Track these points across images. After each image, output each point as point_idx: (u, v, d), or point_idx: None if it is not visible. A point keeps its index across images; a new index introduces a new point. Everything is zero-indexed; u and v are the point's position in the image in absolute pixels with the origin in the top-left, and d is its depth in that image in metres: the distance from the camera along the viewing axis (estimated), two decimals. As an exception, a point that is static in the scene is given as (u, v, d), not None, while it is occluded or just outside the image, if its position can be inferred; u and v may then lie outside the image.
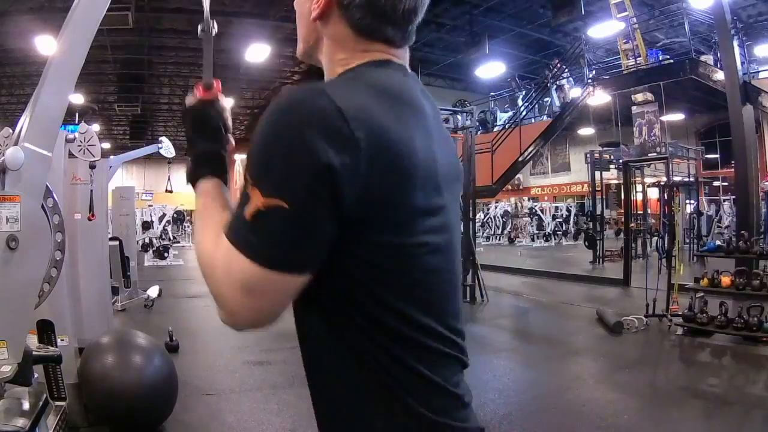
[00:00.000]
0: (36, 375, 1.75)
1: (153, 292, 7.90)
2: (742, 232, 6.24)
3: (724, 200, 13.72)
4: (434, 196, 0.75)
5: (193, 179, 0.89)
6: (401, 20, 0.79)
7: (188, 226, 22.21)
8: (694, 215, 12.20)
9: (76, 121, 5.18)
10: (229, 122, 0.97)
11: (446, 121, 9.45)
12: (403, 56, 0.84)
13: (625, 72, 11.42)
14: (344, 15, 0.79)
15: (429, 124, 0.78)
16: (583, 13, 11.50)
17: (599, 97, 11.75)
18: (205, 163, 0.90)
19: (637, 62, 11.24)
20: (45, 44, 10.58)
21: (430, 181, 0.74)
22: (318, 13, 0.80)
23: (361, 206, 0.67)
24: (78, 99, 13.72)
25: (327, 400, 0.83)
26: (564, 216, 19.89)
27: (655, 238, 12.29)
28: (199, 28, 1.16)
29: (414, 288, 0.75)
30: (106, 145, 23.16)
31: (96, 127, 15.86)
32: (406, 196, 0.71)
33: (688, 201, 13.20)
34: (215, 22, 1.15)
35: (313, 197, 0.66)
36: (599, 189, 14.12)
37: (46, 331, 1.77)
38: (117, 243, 7.09)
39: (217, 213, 0.82)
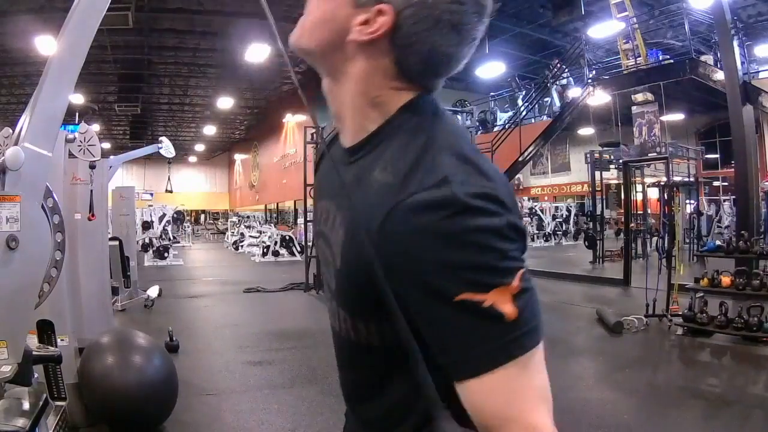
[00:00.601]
0: (36, 375, 1.75)
1: (153, 292, 7.90)
2: (742, 232, 6.24)
3: (724, 200, 13.72)
4: None
5: None
6: (445, 74, 0.75)
7: (188, 226, 22.24)
8: (694, 215, 12.20)
9: (76, 121, 5.18)
10: None
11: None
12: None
13: (625, 72, 11.41)
14: (396, 53, 0.70)
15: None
16: (583, 13, 11.51)
17: (599, 97, 11.75)
18: None
19: (637, 62, 11.24)
20: (45, 44, 10.58)
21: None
22: (366, 40, 0.70)
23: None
24: (78, 99, 13.72)
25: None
26: (564, 216, 19.89)
27: (655, 238, 12.29)
28: None
29: None
30: (106, 145, 23.18)
31: (96, 127, 15.87)
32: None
33: (688, 201, 13.20)
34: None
35: (524, 249, 0.64)
36: (599, 189, 14.12)
37: (46, 331, 1.77)
38: (117, 243, 7.09)
39: None
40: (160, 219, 17.56)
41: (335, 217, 0.76)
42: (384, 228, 0.63)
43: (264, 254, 15.60)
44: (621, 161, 11.62)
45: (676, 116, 13.77)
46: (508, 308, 0.60)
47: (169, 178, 24.90)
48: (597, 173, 13.87)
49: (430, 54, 0.70)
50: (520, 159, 12.48)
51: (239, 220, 25.34)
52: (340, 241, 0.73)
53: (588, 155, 14.30)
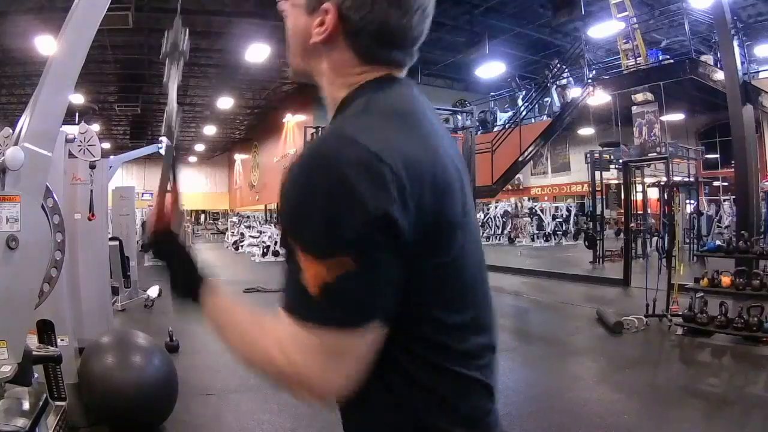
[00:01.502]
0: (36, 375, 1.75)
1: (153, 292, 7.90)
2: (742, 232, 6.24)
3: (724, 200, 13.72)
4: (464, 204, 0.75)
5: (188, 297, 0.88)
6: (408, 45, 0.79)
7: (188, 226, 22.20)
8: (694, 215, 12.20)
9: (76, 121, 5.18)
10: (190, 236, 0.96)
11: (446, 121, 9.46)
12: (401, 71, 0.83)
13: (625, 72, 11.42)
14: (352, 41, 0.77)
15: (440, 134, 0.78)
16: (583, 13, 11.51)
17: (599, 97, 11.75)
18: (194, 285, 0.88)
19: (637, 62, 11.24)
20: (45, 44, 10.58)
21: (459, 191, 0.74)
22: (323, 38, 0.77)
23: (415, 238, 0.67)
24: (78, 99, 13.73)
25: (361, 413, 0.79)
26: (564, 216, 19.88)
27: (655, 238, 12.28)
28: (165, 76, 1.07)
29: (458, 302, 0.75)
30: (106, 145, 23.16)
31: (96, 127, 15.85)
32: (448, 214, 0.71)
33: (688, 201, 13.20)
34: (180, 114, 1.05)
35: (376, 246, 0.64)
36: (599, 189, 14.11)
37: (46, 331, 1.77)
38: (117, 243, 7.09)
39: (247, 316, 0.80)
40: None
41: None
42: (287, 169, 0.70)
43: (264, 254, 15.60)
44: (621, 161, 11.62)
45: (676, 116, 13.77)
46: (313, 286, 0.65)
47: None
48: (597, 173, 13.86)
49: (379, 32, 0.75)
50: (520, 159, 12.49)
51: (239, 220, 25.34)
52: None
53: (588, 155, 14.29)
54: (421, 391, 0.73)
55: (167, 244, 0.95)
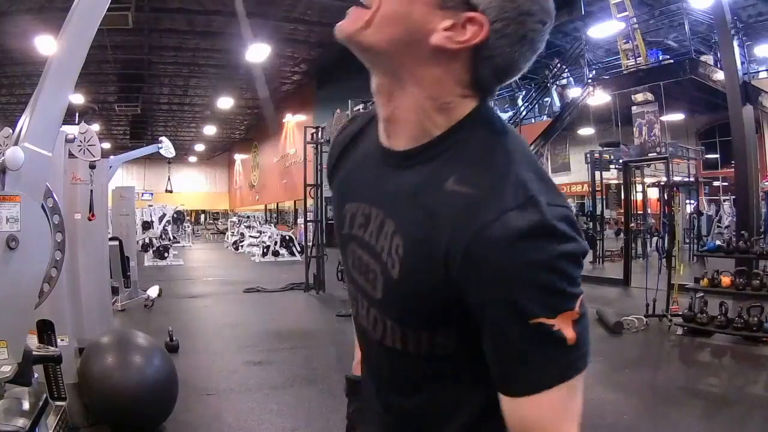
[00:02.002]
0: (36, 375, 1.75)
1: (153, 292, 7.90)
2: (742, 232, 6.24)
3: (724, 200, 13.72)
4: None
5: None
6: (502, 83, 0.75)
7: (188, 226, 22.24)
8: (694, 215, 12.21)
9: (76, 121, 5.18)
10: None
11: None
12: None
13: (625, 72, 11.42)
14: (474, 62, 0.69)
15: None
16: (583, 13, 11.50)
17: (599, 97, 11.75)
18: None
19: (637, 62, 11.24)
20: (45, 44, 10.58)
21: None
22: (456, 48, 0.67)
23: None
24: (78, 99, 13.73)
25: None
26: (564, 216, 19.88)
27: (655, 238, 12.29)
28: None
29: None
30: (106, 145, 23.17)
31: (96, 127, 15.86)
32: None
33: (688, 201, 13.20)
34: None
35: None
36: (599, 189, 14.11)
37: (46, 331, 1.77)
38: (117, 243, 7.09)
39: None
40: (160, 219, 17.57)
41: (383, 222, 0.74)
42: (474, 244, 0.63)
43: (264, 254, 15.60)
44: (621, 161, 11.62)
45: (676, 116, 13.77)
46: (570, 333, 0.62)
47: (169, 178, 24.93)
48: (597, 173, 13.86)
49: (505, 67, 0.70)
50: (520, 159, 12.47)
51: (239, 220, 25.35)
52: (397, 252, 0.70)
53: (588, 155, 14.29)
54: None
55: None
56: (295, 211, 23.60)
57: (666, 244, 8.55)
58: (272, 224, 23.02)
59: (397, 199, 0.73)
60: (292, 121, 21.97)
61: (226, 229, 25.27)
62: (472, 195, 0.65)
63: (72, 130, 3.96)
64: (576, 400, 0.65)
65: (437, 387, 0.75)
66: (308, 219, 10.77)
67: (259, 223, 23.87)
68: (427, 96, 0.71)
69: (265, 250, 15.71)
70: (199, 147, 32.88)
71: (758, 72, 13.02)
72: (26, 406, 1.71)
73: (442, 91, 0.71)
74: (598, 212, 13.78)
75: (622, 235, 11.93)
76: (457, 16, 0.66)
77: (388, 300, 0.73)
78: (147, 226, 16.16)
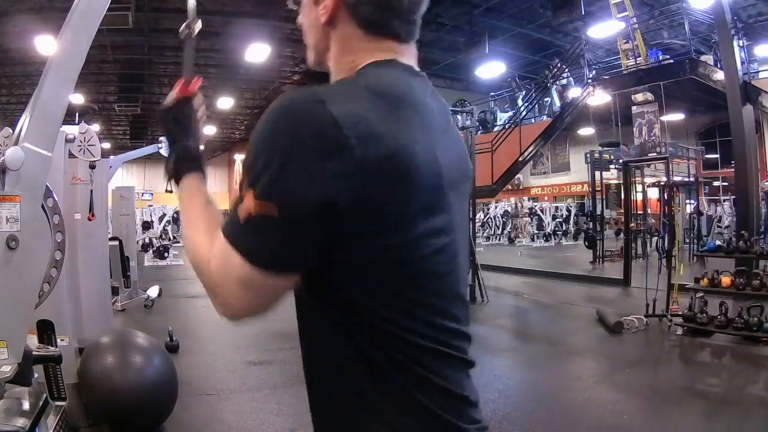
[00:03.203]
0: (36, 375, 1.75)
1: (153, 292, 7.90)
2: (742, 232, 6.24)
3: (724, 200, 13.72)
4: (435, 197, 0.75)
5: (176, 175, 0.94)
6: (406, 12, 0.81)
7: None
8: (694, 215, 12.20)
9: (76, 121, 5.18)
10: (204, 119, 1.05)
11: (446, 121, 9.47)
12: (409, 54, 0.84)
13: (625, 72, 11.42)
14: (352, 14, 0.80)
15: (434, 126, 0.78)
16: (583, 13, 11.50)
17: (599, 97, 11.75)
18: (186, 158, 0.95)
19: (637, 62, 11.24)
20: (45, 44, 10.58)
21: (431, 183, 0.74)
22: (327, 16, 0.82)
23: (355, 210, 0.69)
24: (78, 99, 13.73)
25: (331, 403, 0.82)
26: (564, 216, 19.88)
27: (655, 238, 12.28)
28: (183, 26, 1.19)
29: (412, 290, 0.75)
30: (106, 145, 23.17)
31: (96, 127, 15.87)
32: (403, 199, 0.71)
33: (688, 201, 13.19)
34: (199, 21, 1.20)
35: (304, 206, 0.68)
36: (599, 189, 14.11)
37: (46, 331, 1.77)
38: (117, 243, 7.09)
39: (205, 209, 0.87)
40: (160, 219, 17.57)
41: None
42: None
43: (264, 254, 15.58)
44: (621, 161, 11.62)
45: (676, 116, 13.77)
46: (242, 213, 0.70)
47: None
48: (597, 173, 13.86)
49: None
50: (520, 159, 12.49)
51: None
52: None
53: (588, 155, 14.29)
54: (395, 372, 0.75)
55: (184, 112, 1.03)
56: (295, 211, 23.57)
57: (666, 244, 8.55)
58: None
59: None
60: (292, 121, 21.94)
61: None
62: None
63: (72, 130, 3.96)
64: (231, 262, 0.72)
65: (307, 329, 0.83)
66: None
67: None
68: (339, 66, 0.84)
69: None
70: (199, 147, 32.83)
71: (758, 72, 13.01)
72: (26, 406, 1.71)
73: (346, 55, 0.83)
74: (598, 212, 13.77)
75: (622, 235, 11.93)
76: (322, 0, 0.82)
77: None
78: (147, 226, 16.16)
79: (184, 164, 0.94)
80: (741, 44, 9.28)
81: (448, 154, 0.79)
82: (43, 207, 1.60)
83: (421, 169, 0.72)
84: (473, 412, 0.80)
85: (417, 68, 0.84)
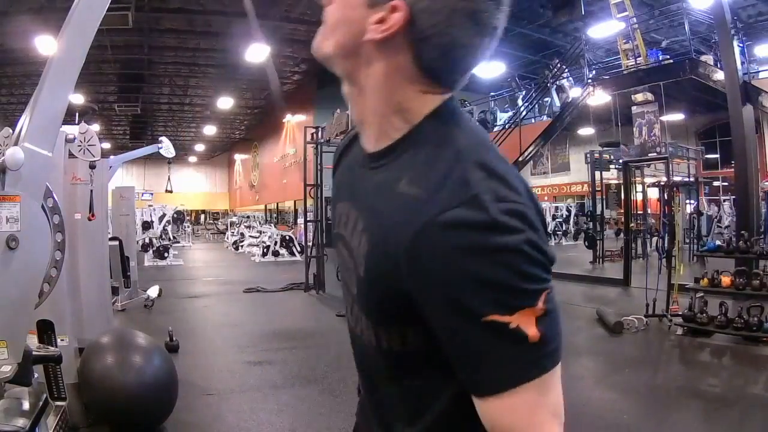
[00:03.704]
0: (36, 375, 1.75)
1: (153, 292, 7.90)
2: (742, 232, 6.24)
3: (724, 200, 13.72)
4: None
5: None
6: (469, 69, 0.73)
7: (188, 226, 22.22)
8: (694, 215, 12.20)
9: (76, 121, 5.18)
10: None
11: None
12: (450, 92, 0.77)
13: (625, 72, 11.40)
14: (413, 48, 0.68)
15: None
16: (583, 13, 11.51)
17: (599, 97, 11.75)
18: None
19: (637, 62, 11.23)
20: (45, 44, 10.58)
21: None
22: (382, 37, 0.68)
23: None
24: (78, 99, 13.74)
25: None
26: (564, 216, 19.88)
27: (655, 238, 12.29)
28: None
29: None
30: (106, 145, 23.18)
31: (96, 127, 15.87)
32: None
33: (688, 201, 13.20)
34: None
35: (550, 270, 0.66)
36: (599, 189, 14.11)
37: (46, 331, 1.77)
38: (117, 243, 7.09)
39: None
40: (160, 219, 17.57)
41: (356, 221, 0.76)
42: (414, 245, 0.63)
43: (264, 254, 15.60)
44: (621, 161, 11.62)
45: (676, 116, 13.77)
46: (531, 330, 0.62)
47: (169, 178, 24.88)
48: (597, 173, 13.86)
49: (448, 47, 0.68)
50: (520, 159, 12.47)
51: (239, 220, 25.33)
52: (363, 251, 0.72)
53: (588, 155, 14.29)
54: None
55: None
56: (295, 211, 23.59)
57: (666, 244, 8.55)
58: (272, 224, 23.01)
59: (367, 199, 0.75)
60: (292, 121, 21.96)
61: (226, 229, 25.27)
62: (416, 196, 0.66)
63: (72, 130, 3.96)
64: (549, 398, 0.65)
65: (411, 380, 0.75)
66: (308, 219, 10.76)
67: (259, 223, 23.88)
68: (381, 99, 0.72)
69: (265, 250, 15.71)
70: (199, 147, 32.87)
71: (758, 72, 13.00)
72: (26, 406, 1.71)
73: (393, 90, 0.71)
74: (598, 212, 13.77)
75: (622, 235, 11.93)
76: (384, 8, 0.67)
77: (360, 296, 0.75)
78: (147, 226, 16.16)
79: None
80: (741, 44, 9.28)
81: None
82: (43, 207, 1.60)
83: None
84: None
85: None
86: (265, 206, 29.93)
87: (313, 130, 10.03)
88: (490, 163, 0.66)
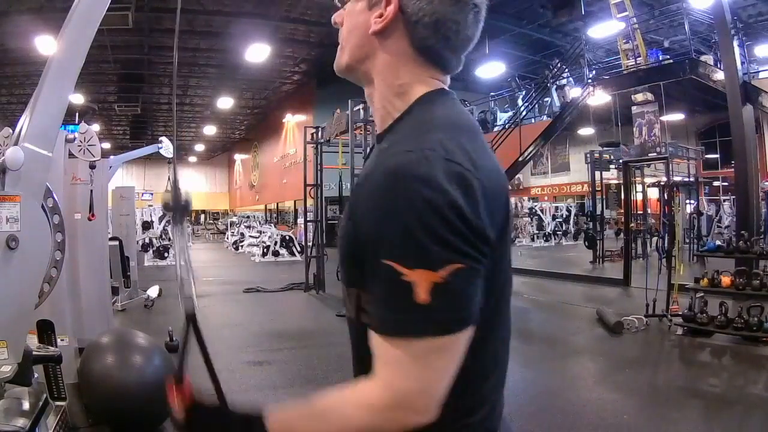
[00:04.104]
0: (36, 375, 1.75)
1: (153, 292, 7.90)
2: (742, 232, 6.24)
3: (724, 200, 13.72)
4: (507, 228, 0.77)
5: None
6: (459, 47, 0.82)
7: (188, 226, 22.22)
8: (694, 215, 12.20)
9: (76, 121, 5.18)
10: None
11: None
12: (448, 82, 0.86)
13: (625, 72, 11.40)
14: (409, 31, 0.79)
15: (486, 144, 0.80)
16: (583, 13, 11.50)
17: (599, 97, 11.75)
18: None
19: (637, 62, 11.23)
20: (45, 44, 10.58)
21: (508, 203, 0.78)
22: (381, 27, 0.80)
23: (493, 246, 0.69)
24: (78, 99, 13.73)
25: None
26: (564, 216, 19.88)
27: (655, 238, 12.28)
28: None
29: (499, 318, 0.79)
30: (106, 145, 23.17)
31: (96, 127, 15.86)
32: (506, 238, 0.76)
33: (688, 201, 13.19)
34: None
35: (475, 247, 0.66)
36: (599, 189, 14.11)
37: (46, 331, 1.77)
38: (117, 243, 7.09)
39: (313, 410, 0.72)
40: (160, 219, 17.55)
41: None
42: (359, 187, 0.73)
43: (264, 254, 15.60)
44: (621, 161, 11.62)
45: (676, 116, 13.77)
46: (423, 293, 0.63)
47: (169, 178, 24.88)
48: (597, 173, 13.86)
49: (437, 23, 0.78)
50: (520, 159, 12.47)
51: (239, 220, 25.31)
52: (344, 219, 0.78)
53: (588, 155, 14.29)
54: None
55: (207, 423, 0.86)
56: (295, 211, 23.58)
57: (666, 244, 8.55)
58: (272, 224, 23.01)
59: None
60: (292, 121, 21.96)
61: (226, 229, 25.27)
62: (385, 156, 0.72)
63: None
64: (421, 369, 0.65)
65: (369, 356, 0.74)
66: (308, 219, 10.75)
67: (259, 223, 23.86)
68: (386, 83, 0.82)
69: (265, 250, 15.71)
70: (199, 147, 32.87)
71: (758, 72, 13.00)
72: (26, 406, 1.71)
73: (395, 75, 0.81)
74: (598, 212, 13.77)
75: (622, 235, 11.93)
76: (380, 5, 0.80)
77: (340, 265, 0.81)
78: (147, 226, 16.15)
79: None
80: (741, 44, 9.28)
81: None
82: (43, 207, 1.59)
83: (508, 199, 0.79)
84: None
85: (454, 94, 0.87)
86: (265, 206, 29.92)
87: (313, 130, 10.03)
88: (457, 136, 0.72)
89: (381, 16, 0.80)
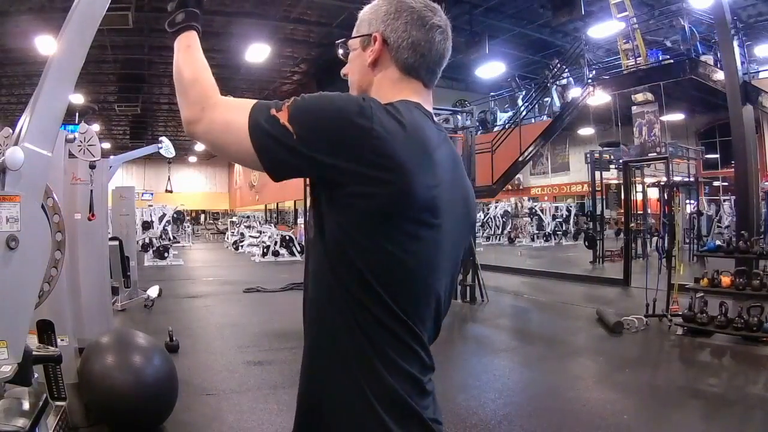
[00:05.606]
0: (36, 375, 1.75)
1: (153, 292, 7.90)
2: (742, 232, 6.24)
3: (724, 200, 13.71)
4: (427, 212, 0.92)
5: (180, 28, 1.20)
6: (433, 64, 1.06)
7: (188, 226, 22.24)
8: (694, 215, 12.20)
9: (76, 121, 5.17)
10: None
11: (446, 121, 9.44)
12: (428, 99, 1.08)
13: (625, 72, 11.40)
14: (394, 57, 1.05)
15: (441, 166, 0.97)
16: (583, 13, 11.47)
17: (599, 97, 11.75)
18: (192, 14, 1.21)
19: (637, 62, 11.23)
20: (45, 44, 10.58)
21: (425, 198, 0.92)
22: (373, 58, 1.05)
23: (348, 180, 0.90)
24: (78, 99, 13.72)
25: (321, 356, 0.98)
26: (564, 216, 19.88)
27: (655, 238, 12.28)
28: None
29: (394, 283, 0.92)
30: (106, 145, 23.17)
31: (96, 127, 15.87)
32: (404, 207, 0.91)
33: (688, 201, 13.19)
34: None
35: (312, 147, 0.89)
36: (599, 189, 14.10)
37: (46, 331, 1.77)
38: (117, 243, 7.09)
39: (204, 61, 1.12)
40: (160, 219, 17.58)
41: None
42: None
43: (264, 254, 15.60)
44: (621, 161, 11.62)
45: (676, 116, 13.76)
46: (283, 116, 0.92)
47: (169, 178, 24.87)
48: (597, 173, 13.86)
49: (414, 44, 1.03)
50: (520, 159, 12.47)
51: (239, 220, 25.32)
52: None
53: (588, 155, 14.29)
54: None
55: None
56: (295, 211, 23.59)
57: (666, 244, 8.55)
58: (272, 224, 23.01)
59: None
60: (292, 121, 21.91)
61: (226, 229, 25.27)
62: None
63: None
64: (236, 112, 0.97)
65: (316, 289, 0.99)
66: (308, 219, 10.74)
67: (259, 223, 23.87)
68: (378, 97, 1.00)
69: (265, 250, 15.71)
70: (199, 147, 32.84)
71: (758, 72, 12.99)
72: (26, 406, 1.71)
73: (384, 91, 1.05)
74: (598, 212, 13.77)
75: (622, 235, 11.93)
76: (370, 45, 1.06)
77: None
78: (147, 226, 16.17)
79: (189, 19, 1.22)
80: (741, 44, 9.28)
81: (450, 189, 0.98)
82: (43, 207, 1.59)
83: (435, 191, 0.94)
84: (426, 399, 0.97)
85: (432, 115, 1.06)
86: (265, 206, 29.93)
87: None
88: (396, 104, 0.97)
89: (372, 51, 1.05)
